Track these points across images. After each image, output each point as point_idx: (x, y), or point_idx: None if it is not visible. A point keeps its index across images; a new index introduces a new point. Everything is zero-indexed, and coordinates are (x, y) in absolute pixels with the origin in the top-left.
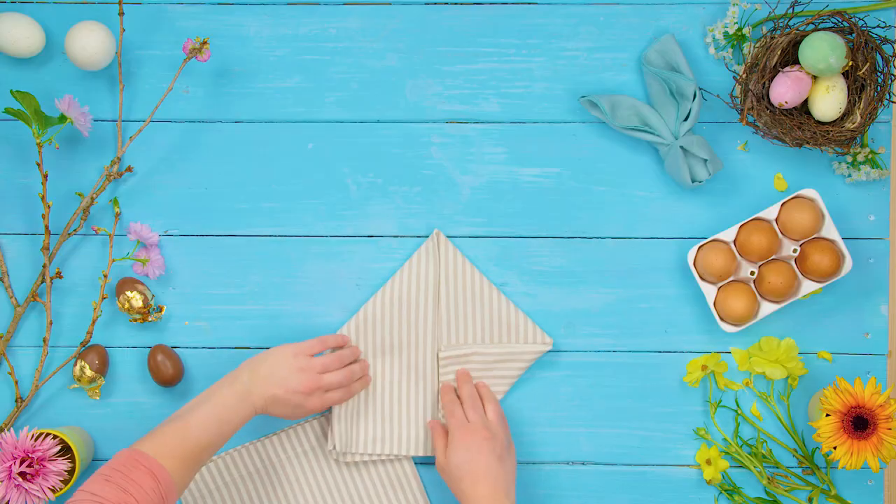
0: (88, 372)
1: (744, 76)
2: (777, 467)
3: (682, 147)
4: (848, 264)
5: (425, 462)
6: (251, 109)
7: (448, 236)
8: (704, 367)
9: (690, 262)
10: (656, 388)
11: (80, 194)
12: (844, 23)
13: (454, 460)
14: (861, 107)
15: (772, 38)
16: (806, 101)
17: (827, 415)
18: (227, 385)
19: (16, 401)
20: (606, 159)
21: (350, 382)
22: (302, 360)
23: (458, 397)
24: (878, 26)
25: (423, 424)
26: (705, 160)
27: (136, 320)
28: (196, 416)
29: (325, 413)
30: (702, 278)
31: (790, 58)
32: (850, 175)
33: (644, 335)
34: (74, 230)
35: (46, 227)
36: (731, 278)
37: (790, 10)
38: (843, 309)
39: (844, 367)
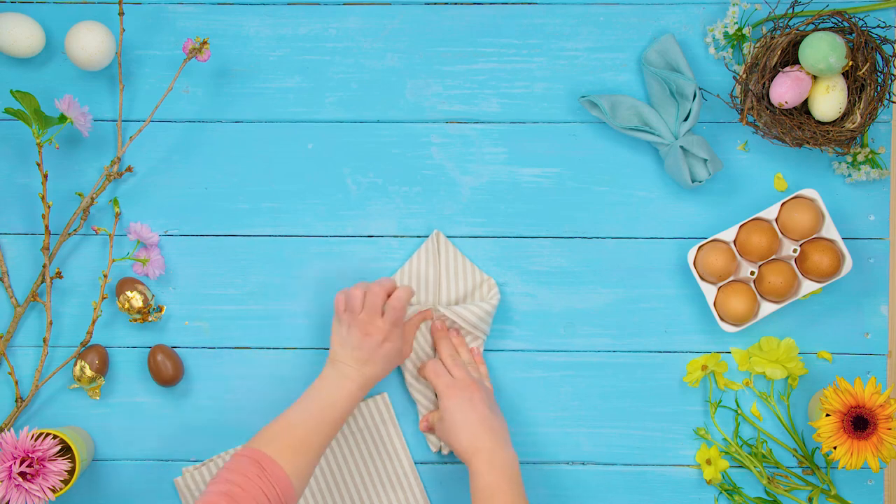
0: (88, 372)
1: (744, 76)
2: (777, 467)
3: (682, 147)
4: (848, 264)
5: (425, 462)
6: (251, 109)
7: (448, 236)
8: (704, 367)
9: (690, 262)
10: (656, 388)
11: (80, 194)
12: (844, 23)
13: (449, 423)
14: (861, 107)
15: (772, 38)
16: (806, 101)
17: (827, 415)
18: (322, 373)
19: (16, 401)
20: (606, 159)
21: (367, 289)
22: (346, 315)
23: (438, 355)
24: (878, 26)
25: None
26: (705, 160)
27: (136, 320)
28: (294, 406)
29: None
30: (702, 278)
31: (790, 58)
32: (850, 175)
33: (644, 335)
34: (74, 230)
35: (46, 227)
36: (731, 278)
37: (790, 10)
38: (843, 309)
39: (844, 367)
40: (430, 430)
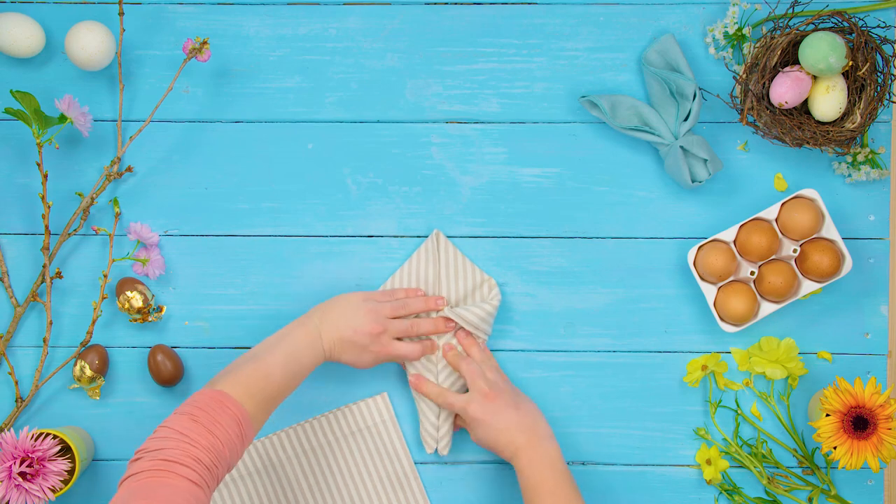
0: (88, 372)
1: (744, 76)
2: (777, 467)
3: (682, 147)
4: (848, 264)
5: (425, 462)
6: (251, 109)
7: (448, 236)
8: (704, 367)
9: (690, 262)
10: (656, 388)
11: (80, 194)
12: (844, 23)
13: (484, 431)
14: (861, 107)
15: (772, 38)
16: (806, 101)
17: (827, 415)
18: (299, 326)
19: (16, 401)
20: (606, 159)
21: (415, 333)
22: (371, 303)
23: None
24: (878, 26)
25: (430, 419)
26: (705, 160)
27: (136, 320)
28: (273, 356)
29: (331, 410)
30: (702, 278)
31: (790, 58)
32: (850, 175)
33: (644, 335)
34: (74, 230)
35: (46, 227)
36: (731, 278)
37: (790, 10)
38: (843, 309)
39: (844, 367)
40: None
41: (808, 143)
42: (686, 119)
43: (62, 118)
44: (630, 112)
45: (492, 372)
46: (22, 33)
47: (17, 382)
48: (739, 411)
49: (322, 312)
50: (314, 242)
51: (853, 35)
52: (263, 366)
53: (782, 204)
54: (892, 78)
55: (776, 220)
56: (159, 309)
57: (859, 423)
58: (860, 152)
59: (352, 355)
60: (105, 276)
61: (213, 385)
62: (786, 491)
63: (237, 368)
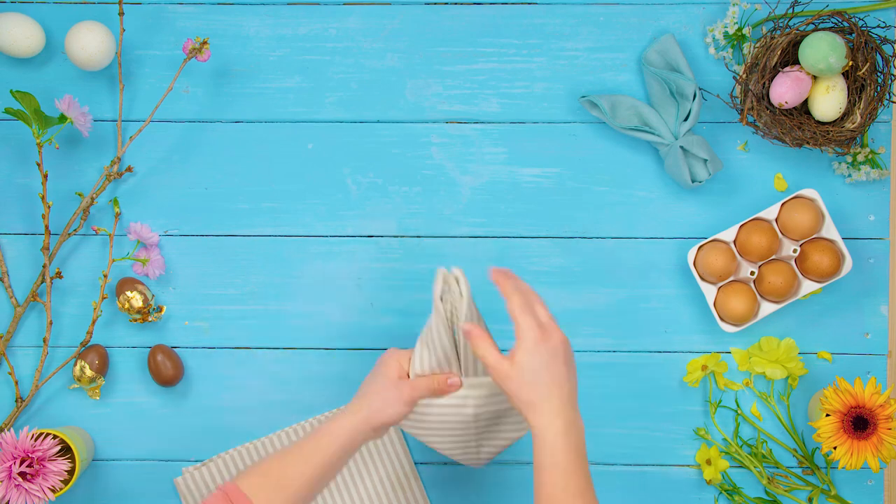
0: (88, 372)
1: (744, 76)
2: (777, 467)
3: (682, 147)
4: (848, 264)
5: (425, 462)
6: (251, 109)
7: (448, 236)
8: (704, 367)
9: (690, 262)
10: (656, 388)
11: (80, 194)
12: (844, 23)
13: (531, 364)
14: (861, 107)
15: (772, 38)
16: (806, 101)
17: (827, 415)
18: (340, 415)
19: (16, 401)
20: (606, 159)
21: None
22: (406, 390)
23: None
24: (878, 26)
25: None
26: (705, 160)
27: (136, 320)
28: (298, 448)
29: (331, 411)
30: (702, 278)
31: (790, 58)
32: (850, 175)
33: (644, 335)
34: (74, 230)
35: (46, 227)
36: (731, 278)
37: (790, 10)
38: (843, 309)
39: (844, 367)
40: (476, 332)
41: (808, 143)
42: (686, 119)
43: (62, 118)
44: (630, 112)
45: (541, 307)
46: (22, 33)
47: (17, 382)
48: (739, 411)
49: (361, 397)
50: (314, 242)
51: (853, 35)
52: (280, 457)
53: (782, 204)
54: (892, 78)
55: (776, 220)
56: (159, 309)
57: (859, 423)
58: (860, 152)
59: (389, 407)
60: (105, 276)
61: (234, 480)
62: (786, 491)
63: (261, 462)
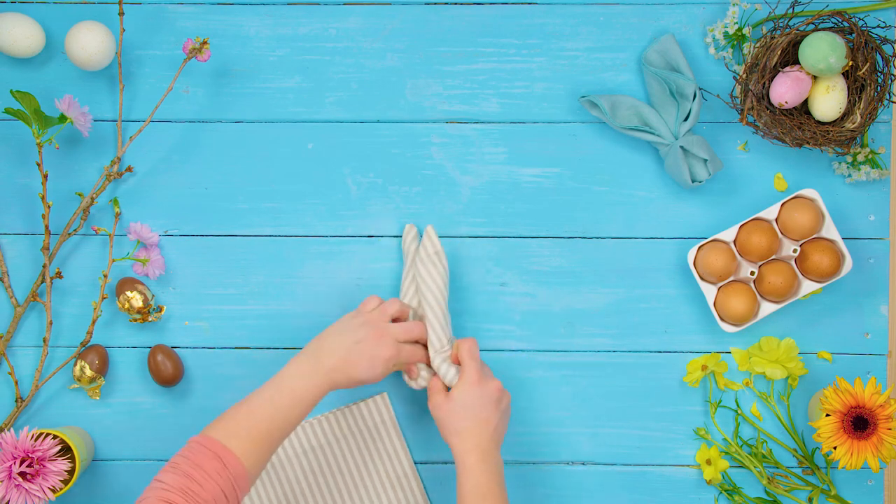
0: (88, 372)
1: (744, 76)
2: (777, 467)
3: (682, 147)
4: (848, 264)
5: (425, 462)
6: (251, 109)
7: (448, 236)
8: (704, 367)
9: (690, 262)
10: (656, 388)
11: (80, 194)
12: (844, 23)
13: (459, 407)
14: (861, 107)
15: (772, 38)
16: (806, 101)
17: (827, 415)
18: (293, 362)
19: (16, 401)
20: (606, 159)
21: (414, 337)
22: (363, 315)
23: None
24: (878, 26)
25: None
26: (705, 160)
27: (136, 320)
28: (262, 395)
29: (332, 410)
30: (702, 278)
31: (790, 58)
32: (850, 175)
33: (644, 335)
34: (74, 230)
35: (46, 227)
36: (731, 278)
37: (790, 10)
38: (843, 309)
39: (844, 367)
40: (414, 378)
41: (808, 143)
42: (686, 119)
43: (62, 118)
44: (630, 112)
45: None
46: (22, 33)
47: (17, 382)
48: (739, 411)
49: (316, 342)
50: (314, 242)
51: (853, 35)
52: (248, 405)
53: (782, 204)
54: (892, 78)
55: (776, 220)
56: (159, 309)
57: (859, 423)
58: (860, 152)
59: (360, 367)
60: (105, 276)
61: (202, 431)
62: (786, 491)
63: (227, 412)
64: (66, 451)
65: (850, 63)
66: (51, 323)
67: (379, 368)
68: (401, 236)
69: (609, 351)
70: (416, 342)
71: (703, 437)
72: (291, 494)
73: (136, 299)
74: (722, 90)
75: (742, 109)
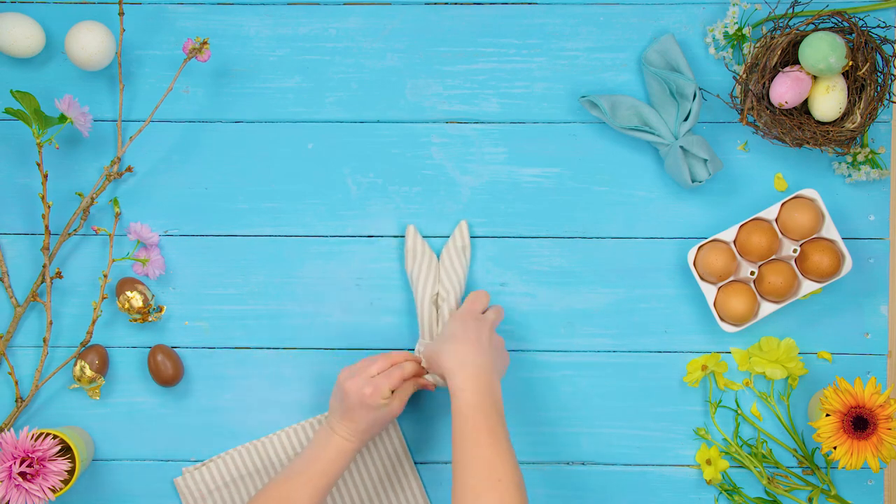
0: (88, 372)
1: (744, 76)
2: (777, 467)
3: (682, 147)
4: (848, 264)
5: (425, 462)
6: (251, 109)
7: (448, 236)
8: (704, 367)
9: (690, 262)
10: (656, 388)
11: (80, 194)
12: (844, 23)
13: (444, 337)
14: (861, 107)
15: (772, 38)
16: (806, 101)
17: (827, 415)
18: (314, 436)
19: (16, 401)
20: (606, 159)
21: (403, 378)
22: (350, 369)
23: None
24: (878, 26)
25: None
26: (705, 160)
27: (136, 320)
28: (292, 475)
29: (319, 417)
30: (702, 278)
31: (790, 58)
32: (850, 175)
33: (644, 335)
34: (74, 230)
35: (46, 227)
36: (731, 278)
37: (790, 10)
38: (843, 309)
39: (844, 367)
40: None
41: (808, 143)
42: (686, 119)
43: (62, 118)
44: (630, 112)
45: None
46: (22, 33)
47: (17, 382)
48: (739, 411)
49: (327, 415)
50: (314, 242)
51: (853, 35)
52: (281, 487)
53: (782, 204)
54: (892, 78)
55: (776, 220)
56: (159, 309)
57: (859, 423)
58: (860, 152)
59: (366, 419)
60: (105, 276)
61: None
62: (786, 491)
63: (271, 493)
64: (66, 451)
65: (850, 63)
66: (51, 323)
67: (373, 412)
68: (400, 236)
69: (609, 351)
70: (392, 364)
71: (703, 437)
72: None
73: (136, 299)
74: (722, 90)
75: (742, 109)
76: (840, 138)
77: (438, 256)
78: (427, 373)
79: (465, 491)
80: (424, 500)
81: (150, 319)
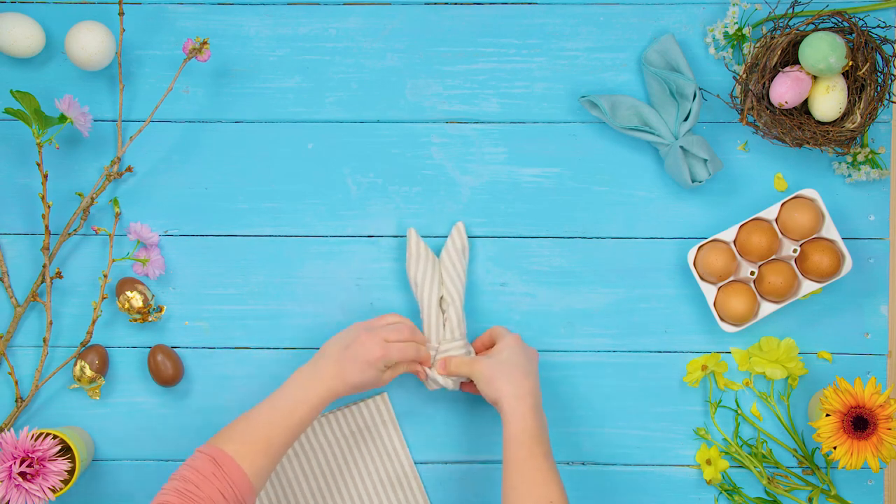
0: (88, 372)
1: (744, 76)
2: (777, 467)
3: (682, 147)
4: (848, 264)
5: (425, 462)
6: (251, 109)
7: (448, 236)
8: (704, 367)
9: (690, 262)
10: (656, 388)
11: (80, 194)
12: (844, 23)
13: (507, 358)
14: (861, 107)
15: (772, 38)
16: (806, 101)
17: (827, 415)
18: (296, 371)
19: (16, 401)
20: (606, 159)
21: (407, 336)
22: (368, 323)
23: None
24: (878, 26)
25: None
26: (705, 160)
27: (136, 320)
28: (263, 403)
29: (331, 410)
30: (702, 278)
31: (790, 58)
32: (850, 175)
33: (644, 335)
34: (74, 230)
35: (46, 227)
36: (731, 278)
37: (790, 10)
38: (843, 309)
39: (844, 367)
40: (449, 373)
41: (808, 143)
42: (686, 119)
43: (62, 118)
44: (630, 112)
45: None
46: (22, 33)
47: (17, 382)
48: (739, 411)
49: (322, 349)
50: (314, 242)
51: (853, 35)
52: (249, 413)
53: (782, 204)
54: (892, 78)
55: (776, 220)
56: (159, 309)
57: (859, 423)
58: (860, 152)
59: (355, 372)
60: (105, 276)
61: (207, 441)
62: (786, 491)
63: (232, 422)
64: (66, 451)
65: (850, 63)
66: (51, 323)
67: (371, 371)
68: (401, 236)
69: (609, 351)
70: (409, 340)
71: (703, 437)
72: (291, 494)
73: (136, 299)
74: (722, 90)
75: (742, 109)
76: (840, 138)
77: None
78: (431, 367)
79: None
80: (424, 500)
81: (150, 319)
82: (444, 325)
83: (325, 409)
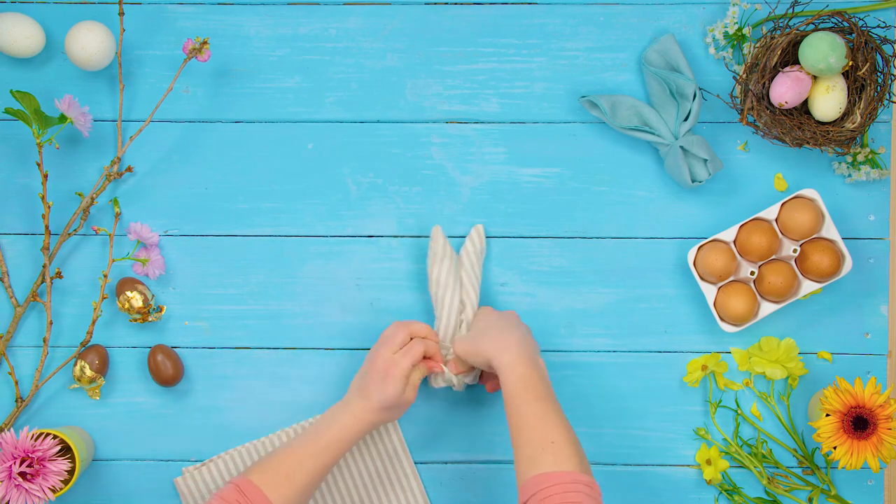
0: (88, 372)
1: (744, 76)
2: (777, 467)
3: (682, 147)
4: (848, 264)
5: (425, 462)
6: (251, 109)
7: (448, 236)
8: (704, 367)
9: (690, 262)
10: (656, 388)
11: (80, 194)
12: (844, 23)
13: (482, 326)
14: (861, 107)
15: (772, 38)
16: (806, 101)
17: (827, 415)
18: (346, 412)
19: (16, 401)
20: (606, 159)
21: (418, 356)
22: (377, 343)
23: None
24: (878, 26)
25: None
26: (705, 160)
27: (136, 320)
28: (297, 436)
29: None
30: (702, 278)
31: (790, 58)
32: (850, 175)
33: (644, 335)
34: (74, 230)
35: (46, 227)
36: (731, 278)
37: (790, 10)
38: (843, 309)
39: (844, 367)
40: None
41: (808, 143)
42: (686, 119)
43: (62, 118)
44: (630, 112)
45: None
46: (22, 33)
47: (17, 382)
48: (739, 411)
49: (353, 381)
50: (314, 242)
51: (853, 35)
52: (281, 446)
53: (782, 204)
54: (892, 78)
55: (776, 220)
56: (159, 309)
57: (859, 423)
58: (860, 152)
59: (382, 395)
60: (105, 276)
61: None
62: (786, 491)
63: (272, 456)
64: (66, 451)
65: (850, 63)
66: (51, 323)
67: (390, 385)
68: (401, 236)
69: (609, 351)
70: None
71: (703, 437)
72: None
73: (136, 299)
74: (722, 90)
75: (742, 109)
76: (840, 138)
77: None
78: (444, 364)
79: (522, 460)
80: (424, 499)
81: (150, 319)
82: (460, 327)
83: (357, 438)
